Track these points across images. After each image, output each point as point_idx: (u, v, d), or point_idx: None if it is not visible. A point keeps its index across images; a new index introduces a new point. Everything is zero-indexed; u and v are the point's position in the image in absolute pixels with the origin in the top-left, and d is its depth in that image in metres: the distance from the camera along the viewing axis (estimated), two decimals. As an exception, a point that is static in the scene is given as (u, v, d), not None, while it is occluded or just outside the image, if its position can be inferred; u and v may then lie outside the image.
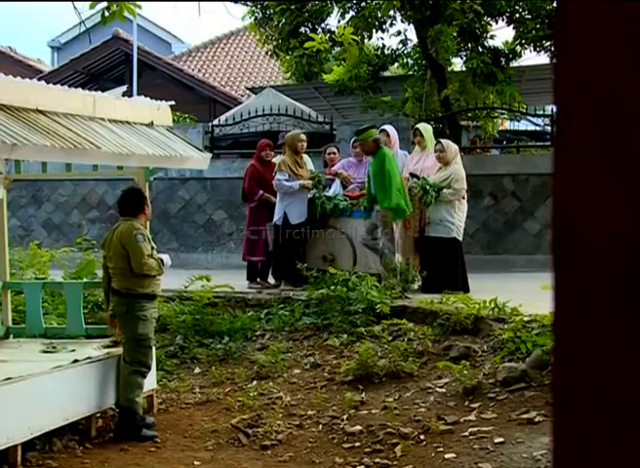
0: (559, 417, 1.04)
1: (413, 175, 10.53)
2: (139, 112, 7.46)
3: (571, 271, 1.05)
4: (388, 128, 11.28)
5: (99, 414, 7.16)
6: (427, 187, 10.17)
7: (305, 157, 10.96)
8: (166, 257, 7.40)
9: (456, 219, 10.28)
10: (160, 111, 7.72)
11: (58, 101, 6.46)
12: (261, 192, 10.98)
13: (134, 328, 7.09)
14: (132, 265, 7.04)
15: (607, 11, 1.02)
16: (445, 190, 10.21)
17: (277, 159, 11.03)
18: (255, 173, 11.11)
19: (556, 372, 1.06)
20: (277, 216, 10.59)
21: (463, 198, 10.44)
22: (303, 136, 10.81)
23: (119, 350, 7.61)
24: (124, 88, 8.05)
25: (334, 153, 11.72)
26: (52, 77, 21.57)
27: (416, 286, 10.27)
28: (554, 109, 16.87)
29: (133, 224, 7.09)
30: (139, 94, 12.63)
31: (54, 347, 7.54)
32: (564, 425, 1.04)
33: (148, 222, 7.78)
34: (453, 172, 10.29)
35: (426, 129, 11.26)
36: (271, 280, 11.06)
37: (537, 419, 6.34)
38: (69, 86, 7.72)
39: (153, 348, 7.34)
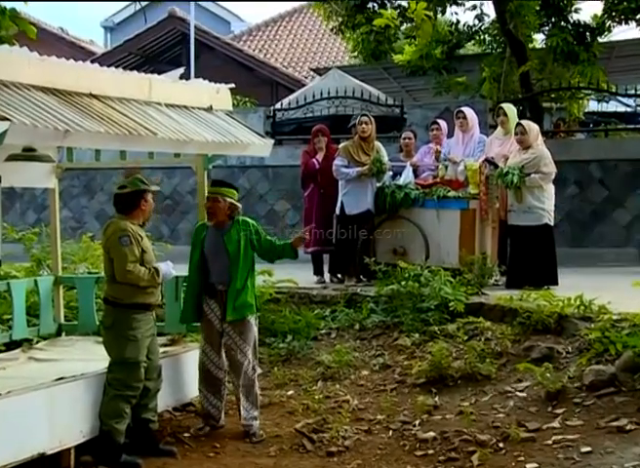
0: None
1: (490, 161, 10.38)
2: (196, 96, 7.50)
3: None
4: (466, 110, 11.19)
5: (155, 417, 7.22)
6: (508, 170, 9.99)
7: (377, 144, 10.84)
8: (166, 267, 6.79)
9: (546, 204, 10.08)
10: (219, 95, 7.76)
11: (112, 85, 6.53)
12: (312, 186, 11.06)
13: (120, 349, 6.44)
14: (114, 272, 6.52)
15: None
16: (533, 175, 9.98)
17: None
18: (306, 160, 11.13)
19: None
20: (337, 206, 10.62)
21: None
22: (364, 119, 10.72)
23: (175, 349, 7.68)
24: (181, 70, 8.11)
25: (409, 138, 11.58)
26: (105, 59, 21.91)
27: (492, 280, 10.17)
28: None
29: (120, 224, 6.56)
30: (196, 76, 12.77)
31: None
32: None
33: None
34: (538, 154, 10.06)
35: (510, 108, 11.07)
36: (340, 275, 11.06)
37: (628, 427, 6.23)
38: (124, 68, 7.79)
39: (142, 369, 6.52)
